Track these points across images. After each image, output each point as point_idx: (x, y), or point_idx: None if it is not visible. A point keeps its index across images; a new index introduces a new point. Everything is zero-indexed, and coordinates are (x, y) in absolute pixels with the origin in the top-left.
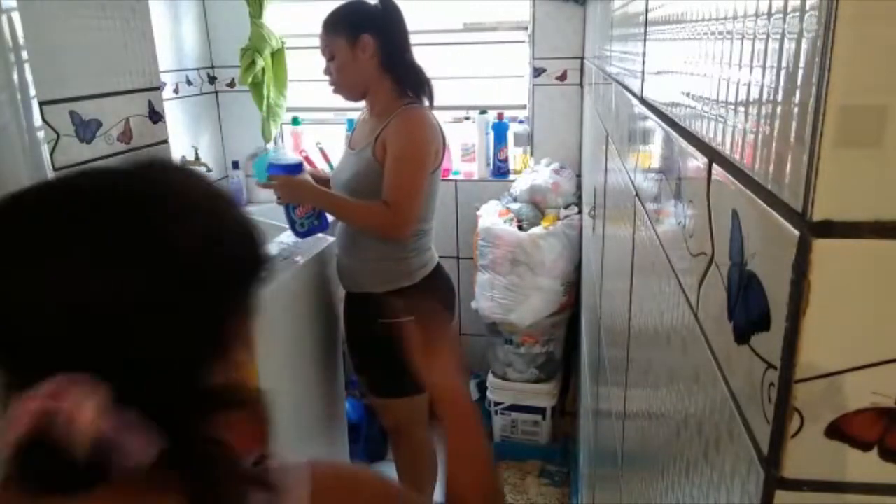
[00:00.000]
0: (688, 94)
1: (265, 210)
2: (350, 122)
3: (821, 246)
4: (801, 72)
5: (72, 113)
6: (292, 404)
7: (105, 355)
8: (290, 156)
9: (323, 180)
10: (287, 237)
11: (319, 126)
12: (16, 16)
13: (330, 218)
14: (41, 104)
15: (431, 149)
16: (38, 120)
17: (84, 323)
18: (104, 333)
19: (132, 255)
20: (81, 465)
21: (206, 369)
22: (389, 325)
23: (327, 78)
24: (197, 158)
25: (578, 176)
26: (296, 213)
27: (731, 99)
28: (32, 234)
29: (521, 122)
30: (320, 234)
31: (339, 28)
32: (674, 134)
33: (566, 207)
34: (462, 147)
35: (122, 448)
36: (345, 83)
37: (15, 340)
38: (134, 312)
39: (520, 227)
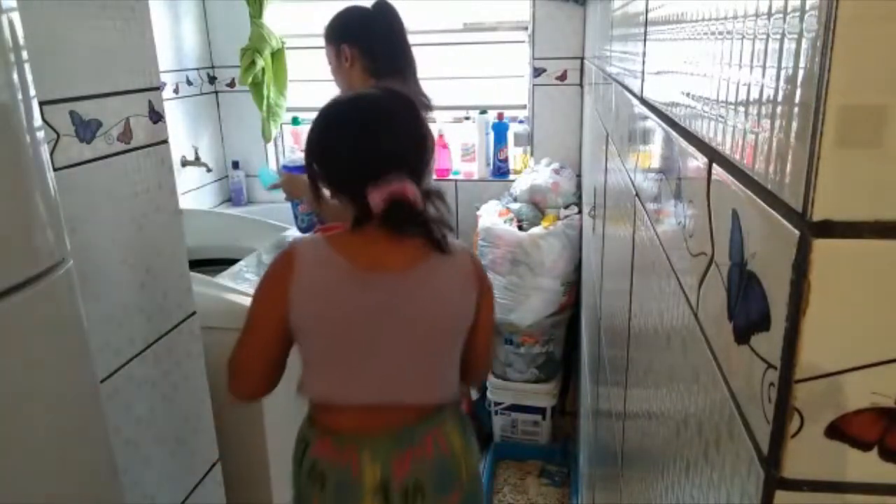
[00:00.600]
0: (688, 94)
1: (265, 210)
2: None
3: (821, 246)
4: (801, 72)
5: (72, 113)
6: (294, 390)
7: (414, 163)
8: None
9: None
10: (292, 232)
11: None
12: (16, 16)
13: None
14: (41, 104)
15: None
16: (38, 120)
17: (412, 147)
18: (416, 152)
19: (415, 125)
20: (411, 216)
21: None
22: None
23: (330, 78)
24: (197, 158)
25: (578, 176)
26: (299, 209)
27: (731, 99)
28: (395, 111)
29: (521, 122)
30: None
31: (329, 36)
32: (674, 134)
33: (566, 207)
34: (462, 147)
35: (420, 208)
36: (339, 86)
37: (383, 157)
38: (423, 143)
39: (520, 227)
